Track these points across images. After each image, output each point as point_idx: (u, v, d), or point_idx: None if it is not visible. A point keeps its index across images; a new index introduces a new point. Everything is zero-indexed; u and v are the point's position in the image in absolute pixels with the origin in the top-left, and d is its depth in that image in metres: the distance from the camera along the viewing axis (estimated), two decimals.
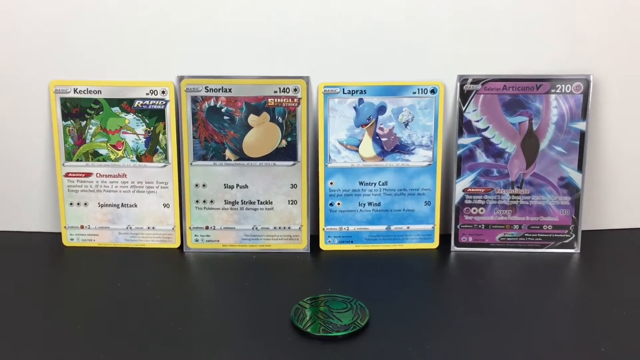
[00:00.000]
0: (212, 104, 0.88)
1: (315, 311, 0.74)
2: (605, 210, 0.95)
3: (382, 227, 0.92)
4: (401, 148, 0.90)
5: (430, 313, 0.75)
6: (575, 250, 0.89)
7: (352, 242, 0.92)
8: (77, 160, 0.90)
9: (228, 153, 0.89)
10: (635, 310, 0.74)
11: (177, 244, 0.91)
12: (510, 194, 0.90)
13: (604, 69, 0.89)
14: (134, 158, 0.90)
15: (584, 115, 0.87)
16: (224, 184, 0.90)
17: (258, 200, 0.91)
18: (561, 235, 0.89)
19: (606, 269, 0.86)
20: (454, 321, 0.74)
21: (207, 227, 0.91)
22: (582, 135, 0.87)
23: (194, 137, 0.88)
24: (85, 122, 0.89)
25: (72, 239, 0.91)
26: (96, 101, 0.88)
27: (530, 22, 0.87)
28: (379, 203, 0.91)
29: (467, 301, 0.79)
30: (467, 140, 0.88)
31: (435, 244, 0.91)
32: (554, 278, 0.84)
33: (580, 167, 0.88)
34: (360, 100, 0.88)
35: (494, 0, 0.87)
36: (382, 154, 0.90)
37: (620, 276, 0.84)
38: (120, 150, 0.90)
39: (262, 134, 0.89)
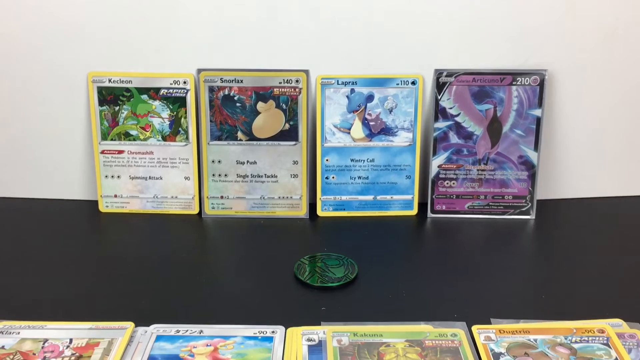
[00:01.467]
0: (226, 92, 0.92)
1: (313, 266, 0.81)
2: (556, 183, 1.00)
3: (370, 197, 0.97)
4: (386, 131, 0.95)
5: (408, 268, 0.82)
6: (531, 216, 0.94)
7: (344, 209, 0.97)
8: (111, 139, 0.94)
9: (240, 134, 0.94)
10: (574, 264, 0.82)
11: (196, 211, 0.96)
12: (478, 170, 0.95)
13: (557, 65, 0.93)
14: (160, 138, 0.94)
15: (539, 104, 0.92)
16: (236, 160, 0.94)
17: (265, 174, 0.95)
18: (519, 204, 0.95)
19: (555, 232, 0.92)
20: (428, 274, 0.81)
21: (221, 197, 0.95)
22: (538, 120, 0.92)
23: (210, 121, 0.93)
24: (118, 107, 0.93)
25: (107, 206, 0.96)
26: (127, 89, 0.92)
27: (496, 25, 0.92)
28: (367, 177, 0.96)
29: (440, 258, 0.86)
30: (441, 124, 0.93)
31: (414, 211, 0.96)
32: (512, 240, 0.91)
33: (536, 147, 0.93)
34: (352, 90, 0.93)
35: (466, 8, 0.91)
36: (370, 135, 0.95)
37: (567, 237, 0.90)
38: (148, 131, 0.94)
39: (268, 118, 0.94)
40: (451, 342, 0.64)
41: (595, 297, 0.74)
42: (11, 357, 0.62)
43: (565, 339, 0.65)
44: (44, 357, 0.62)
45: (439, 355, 0.62)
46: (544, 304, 0.73)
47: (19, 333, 0.65)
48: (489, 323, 0.68)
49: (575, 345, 0.63)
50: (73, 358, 0.62)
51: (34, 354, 0.62)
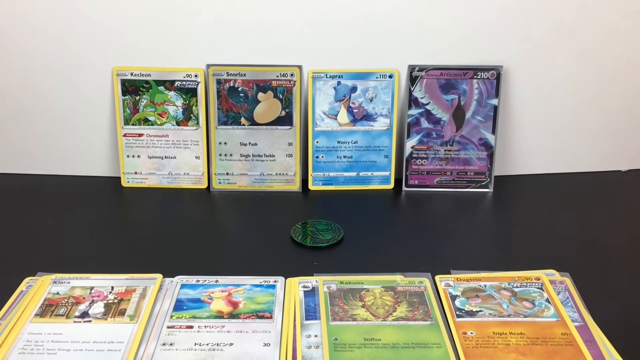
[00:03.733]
0: (231, 84, 0.97)
1: (306, 230, 0.88)
2: (510, 161, 1.06)
3: (353, 174, 1.02)
4: (367, 117, 1.00)
5: (385, 232, 0.89)
6: (489, 190, 1.01)
7: (332, 184, 1.02)
8: (133, 124, 0.99)
9: (243, 120, 0.98)
10: (522, 228, 0.91)
11: (205, 186, 1.01)
12: (445, 150, 1.00)
13: (511, 61, 0.99)
14: (174, 123, 0.99)
15: (496, 94, 0.97)
16: (240, 142, 0.99)
17: (264, 154, 1.00)
18: (480, 180, 1.01)
19: (509, 202, 0.99)
20: (402, 237, 0.89)
21: (227, 173, 1.00)
22: (495, 108, 0.98)
23: (218, 109, 0.98)
24: (138, 97, 0.98)
25: (128, 182, 1.01)
26: (147, 82, 0.97)
27: (460, 28, 0.97)
28: (351, 156, 1.01)
29: (412, 224, 0.93)
30: (414, 111, 0.99)
31: (391, 185, 1.02)
32: (473, 209, 0.98)
33: (493, 131, 0.99)
34: (338, 83, 0.98)
35: (435, 14, 0.96)
36: (354, 121, 1.00)
37: (518, 207, 0.98)
38: (164, 117, 0.99)
39: (267, 107, 0.98)
40: (418, 288, 0.76)
41: (536, 254, 0.83)
42: (65, 300, 0.74)
43: (509, 284, 0.76)
44: (92, 300, 0.73)
45: (408, 297, 0.74)
46: (495, 260, 0.83)
47: (69, 282, 0.76)
48: (450, 274, 0.79)
49: (516, 289, 0.76)
50: (116, 301, 0.73)
51: (84, 298, 0.74)
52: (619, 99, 1.04)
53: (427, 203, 1.00)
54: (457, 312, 0.72)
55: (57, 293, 0.75)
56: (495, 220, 0.97)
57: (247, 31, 0.98)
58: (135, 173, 1.02)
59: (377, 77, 0.99)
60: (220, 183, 1.02)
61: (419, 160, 1.02)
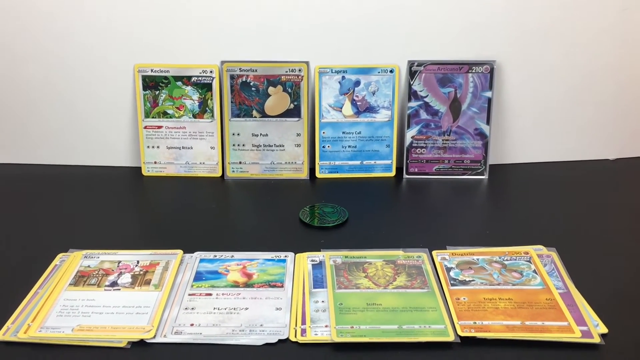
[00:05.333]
0: (244, 79, 1.01)
1: (313, 213, 0.93)
2: (504, 150, 1.10)
3: (357, 162, 1.05)
4: (370, 109, 1.03)
5: (387, 214, 0.94)
6: (485, 177, 1.05)
7: (337, 172, 1.05)
8: (152, 117, 1.03)
9: (254, 112, 1.02)
10: (513, 210, 0.95)
11: (219, 174, 1.05)
12: (442, 140, 1.04)
13: (504, 56, 1.03)
14: (191, 116, 1.03)
15: (490, 87, 1.01)
16: (252, 133, 1.03)
17: (274, 144, 1.03)
18: (475, 167, 1.05)
19: (503, 188, 1.03)
20: (402, 218, 0.93)
21: (240, 162, 1.04)
22: (489, 100, 1.02)
23: (231, 102, 1.01)
24: (158, 91, 1.02)
25: (148, 171, 1.06)
26: (166, 77, 1.02)
27: (457, 26, 1.01)
28: (355, 146, 1.04)
29: (412, 207, 0.98)
30: (414, 103, 1.02)
31: (392, 173, 1.05)
32: (469, 194, 1.02)
33: (488, 122, 1.03)
34: (343, 77, 1.01)
35: (433, 13, 1.00)
36: (358, 113, 1.03)
37: (511, 192, 1.03)
38: (181, 110, 1.03)
39: (277, 100, 1.02)
40: (416, 262, 0.82)
41: (526, 233, 0.88)
42: (95, 272, 0.80)
43: (499, 258, 0.82)
44: (120, 272, 0.80)
45: (407, 269, 0.80)
46: (487, 237, 0.88)
47: (98, 257, 0.83)
48: (446, 249, 0.84)
49: (506, 262, 0.82)
50: (141, 272, 0.80)
51: (112, 270, 0.80)
52: (606, 92, 1.09)
53: (427, 189, 1.04)
54: (452, 282, 0.78)
55: (88, 266, 0.81)
56: (489, 204, 1.01)
57: (258, 31, 1.02)
58: (155, 162, 1.06)
59: (379, 72, 1.02)
60: (233, 171, 1.06)
61: (418, 149, 1.05)
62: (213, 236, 0.89)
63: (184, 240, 0.86)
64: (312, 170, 1.06)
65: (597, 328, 0.69)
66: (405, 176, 1.06)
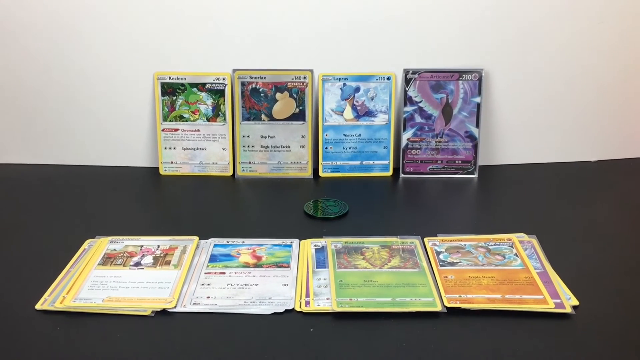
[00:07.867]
0: (254, 86, 1.07)
1: (317, 206, 0.99)
2: (492, 152, 1.15)
3: (357, 162, 1.10)
4: (369, 113, 1.08)
5: (384, 209, 1.00)
6: (475, 176, 1.10)
7: (339, 171, 1.10)
8: (170, 120, 1.09)
9: (263, 116, 1.08)
10: (499, 204, 1.03)
11: (230, 173, 1.11)
12: (435, 142, 1.09)
13: (491, 65, 1.09)
14: (205, 119, 1.09)
15: (479, 93, 1.07)
16: (260, 135, 1.08)
17: (281, 146, 1.09)
18: (466, 167, 1.10)
19: (491, 186, 1.09)
20: (398, 212, 1.00)
21: (249, 162, 1.09)
22: (478, 105, 1.07)
23: (242, 107, 1.07)
24: (175, 97, 1.08)
25: (165, 170, 1.12)
26: (182, 84, 1.08)
27: (448, 38, 1.07)
28: (356, 147, 1.09)
29: (407, 203, 1.05)
30: (409, 108, 1.08)
31: (390, 172, 1.10)
32: (460, 191, 1.07)
33: (477, 125, 1.08)
34: (344, 84, 1.06)
35: (426, 25, 1.05)
36: (357, 117, 1.08)
37: (498, 190, 1.09)
38: (196, 115, 1.09)
39: (284, 105, 1.07)
40: (409, 246, 0.89)
41: (510, 224, 0.95)
42: (121, 254, 0.88)
43: (485, 244, 0.90)
44: (143, 254, 0.88)
45: (401, 253, 0.88)
46: (474, 227, 0.95)
47: (123, 242, 0.90)
48: (436, 237, 0.91)
49: (491, 247, 0.89)
50: (162, 255, 0.87)
51: (136, 253, 0.88)
52: (588, 96, 1.15)
53: (421, 186, 1.10)
54: (441, 263, 0.86)
55: (114, 250, 0.89)
56: (478, 200, 1.08)
57: (267, 42, 1.08)
58: (172, 162, 1.12)
59: (377, 79, 1.08)
60: (243, 171, 1.11)
61: (413, 150, 1.10)
62: (225, 226, 0.95)
63: (199, 230, 0.92)
64: (315, 169, 1.11)
65: (569, 301, 0.77)
66: (402, 175, 1.11)
